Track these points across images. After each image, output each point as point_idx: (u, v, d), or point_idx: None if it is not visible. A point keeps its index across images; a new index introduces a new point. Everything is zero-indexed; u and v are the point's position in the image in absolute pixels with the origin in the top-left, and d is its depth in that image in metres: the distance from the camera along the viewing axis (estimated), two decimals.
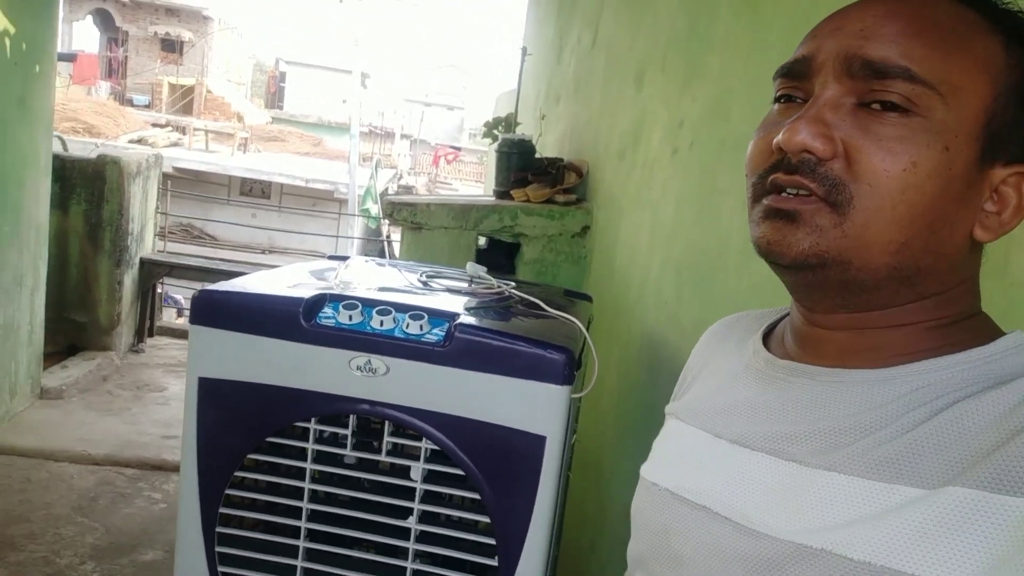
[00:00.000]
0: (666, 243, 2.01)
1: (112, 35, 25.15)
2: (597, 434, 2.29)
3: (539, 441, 1.34)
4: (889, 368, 0.57)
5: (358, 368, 1.37)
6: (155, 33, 24.52)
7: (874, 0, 0.57)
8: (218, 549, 1.44)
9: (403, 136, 27.43)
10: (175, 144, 14.70)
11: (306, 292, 1.42)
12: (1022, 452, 0.47)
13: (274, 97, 32.16)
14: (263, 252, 13.36)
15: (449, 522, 1.40)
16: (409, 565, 1.39)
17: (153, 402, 4.11)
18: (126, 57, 24.75)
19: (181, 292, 9.52)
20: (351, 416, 1.38)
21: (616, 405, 2.22)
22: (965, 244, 0.57)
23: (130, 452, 3.38)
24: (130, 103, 21.86)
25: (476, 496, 1.36)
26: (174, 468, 3.34)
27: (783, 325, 0.70)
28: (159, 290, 5.11)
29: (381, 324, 1.37)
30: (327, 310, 1.40)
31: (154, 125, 17.36)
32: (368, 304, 1.40)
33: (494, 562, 1.36)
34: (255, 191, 14.12)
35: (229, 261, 6.01)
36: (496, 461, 1.35)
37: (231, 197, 13.80)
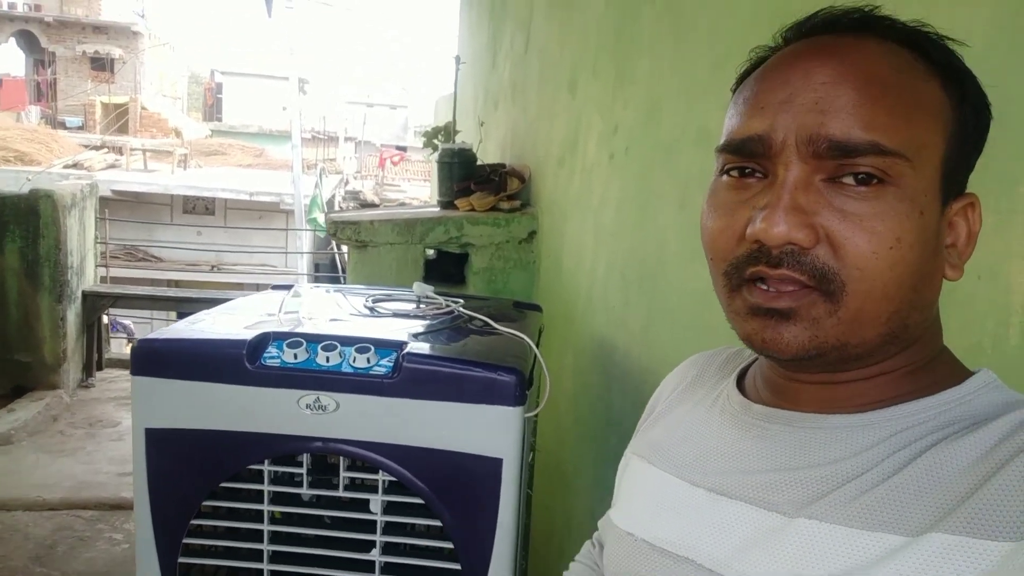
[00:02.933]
0: (609, 247, 2.02)
1: (38, 56, 24.40)
2: (558, 441, 2.31)
3: (496, 463, 1.34)
4: (868, 413, 0.57)
5: (307, 406, 1.35)
6: (83, 52, 23.85)
7: (814, 61, 0.55)
8: None
9: (347, 139, 27.14)
10: (112, 166, 14.32)
11: (249, 333, 1.40)
12: (996, 495, 0.48)
13: (212, 109, 31.55)
14: (212, 269, 13.12)
15: (413, 550, 1.40)
16: None
17: (107, 439, 4.01)
18: (55, 79, 24.04)
19: (130, 318, 9.30)
20: (305, 455, 1.37)
21: (574, 411, 2.24)
22: (939, 289, 0.58)
23: (87, 493, 3.30)
24: (63, 126, 21.27)
25: (438, 523, 1.36)
26: (133, 506, 3.27)
27: (755, 369, 0.69)
28: (104, 321, 4.98)
29: (327, 360, 1.36)
30: (271, 350, 1.38)
31: (89, 147, 16.90)
32: (313, 340, 1.38)
33: None
34: (199, 208, 13.85)
35: (177, 284, 5.90)
36: (454, 487, 1.35)
37: (174, 217, 13.51)
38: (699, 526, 0.61)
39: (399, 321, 1.65)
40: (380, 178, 20.12)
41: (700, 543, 0.60)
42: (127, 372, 5.13)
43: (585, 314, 2.19)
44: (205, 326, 1.50)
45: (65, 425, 4.12)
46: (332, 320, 1.60)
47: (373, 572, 1.38)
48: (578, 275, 2.27)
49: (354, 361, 1.36)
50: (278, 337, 1.40)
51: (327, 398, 1.35)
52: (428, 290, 1.86)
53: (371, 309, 1.74)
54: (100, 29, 24.21)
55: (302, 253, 11.49)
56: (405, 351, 1.37)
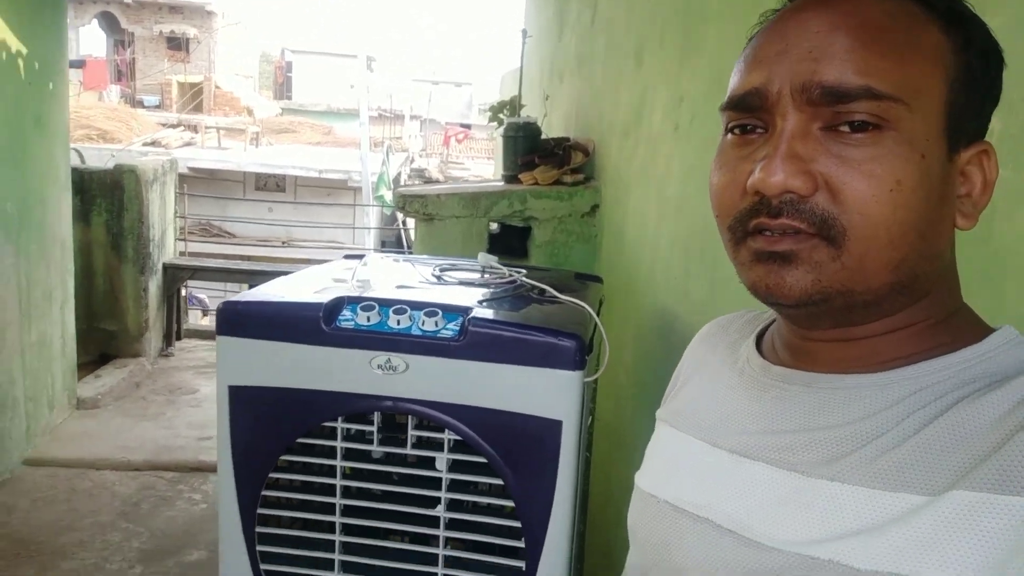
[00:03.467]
0: (673, 219, 2.03)
1: (118, 37, 25.27)
2: (617, 410, 2.34)
3: (556, 425, 1.38)
4: (887, 372, 0.56)
5: (379, 367, 1.42)
6: (160, 32, 24.59)
7: (810, 12, 0.55)
8: (259, 548, 1.51)
9: (412, 117, 27.39)
10: (188, 144, 14.82)
11: (325, 297, 1.47)
12: (1020, 451, 0.47)
13: (282, 88, 32.19)
14: (282, 244, 13.48)
15: (475, 508, 1.46)
16: (440, 551, 1.45)
17: (186, 405, 4.21)
18: (133, 59, 24.88)
19: (205, 292, 9.65)
20: (376, 413, 1.44)
21: (635, 380, 2.26)
22: (950, 236, 0.57)
23: (168, 456, 3.48)
24: (141, 105, 22.01)
25: (500, 482, 1.41)
26: (211, 469, 3.44)
27: (773, 330, 0.69)
28: (183, 293, 5.20)
29: (398, 323, 1.42)
30: (346, 313, 1.45)
31: (165, 126, 17.49)
32: (385, 304, 1.44)
33: (521, 543, 1.42)
34: (270, 185, 14.23)
35: (249, 259, 6.10)
36: (516, 447, 1.40)
37: (247, 193, 13.92)
38: (719, 487, 0.61)
39: (464, 289, 1.70)
40: (445, 156, 20.25)
41: (720, 503, 0.60)
42: (204, 342, 5.36)
43: (647, 285, 2.20)
44: (284, 290, 1.58)
45: (147, 392, 4.34)
46: (401, 287, 1.66)
47: (437, 527, 1.44)
48: (640, 247, 2.29)
49: (423, 324, 1.42)
50: (352, 301, 1.46)
51: (397, 359, 1.41)
52: (492, 260, 1.91)
53: (438, 277, 1.79)
54: (176, 9, 24.90)
55: (369, 228, 11.70)
56: (471, 316, 1.42)
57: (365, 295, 1.50)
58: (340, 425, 1.44)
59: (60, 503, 3.04)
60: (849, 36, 0.52)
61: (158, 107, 22.52)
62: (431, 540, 1.46)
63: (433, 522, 1.44)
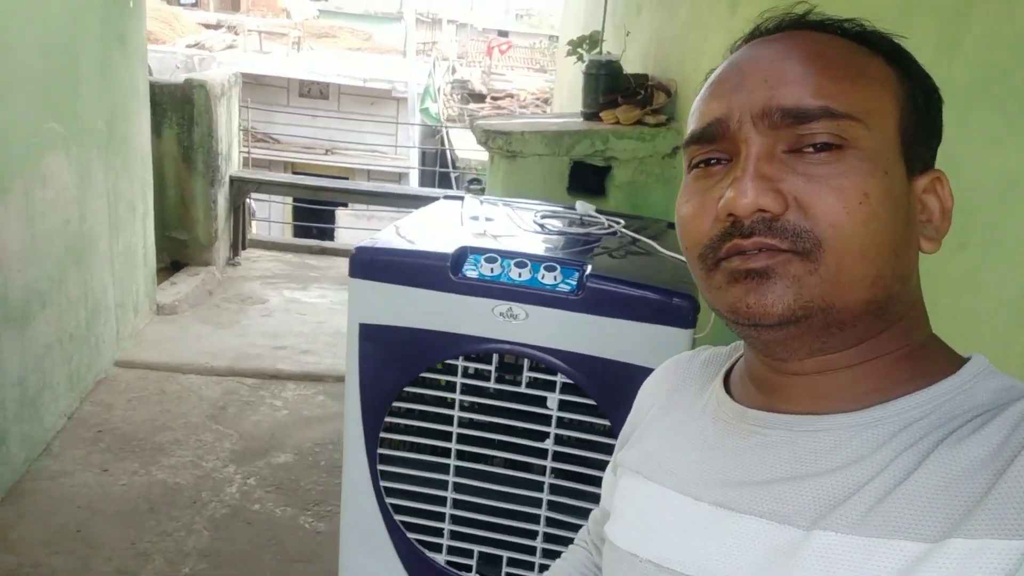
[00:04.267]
0: None
1: None
2: None
3: None
4: (867, 411, 0.56)
5: (500, 314, 1.54)
6: None
7: (761, 47, 0.58)
8: (380, 467, 1.68)
9: (449, 22, 26.79)
10: (230, 47, 14.73)
11: (450, 246, 1.59)
12: (1011, 493, 0.47)
13: None
14: (326, 153, 13.54)
15: (581, 444, 1.60)
16: (546, 479, 1.60)
17: (258, 314, 4.41)
18: None
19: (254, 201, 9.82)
20: (495, 354, 1.57)
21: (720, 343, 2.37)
22: (917, 261, 0.58)
23: (247, 363, 3.69)
24: (177, 2, 21.74)
25: (605, 422, 1.55)
26: (288, 377, 3.65)
27: (740, 368, 0.67)
28: (248, 205, 5.36)
29: (519, 275, 1.54)
30: (470, 263, 1.57)
31: (205, 26, 17.34)
32: (507, 256, 1.56)
33: None
34: (313, 92, 14.18)
35: (291, 166, 6.19)
36: (623, 394, 1.52)
37: (290, 100, 13.91)
38: (708, 544, 0.59)
39: (569, 241, 1.81)
40: (487, 66, 19.93)
41: (711, 562, 0.58)
42: (267, 252, 5.54)
43: None
44: (407, 235, 1.70)
45: (219, 300, 4.54)
46: (511, 236, 1.76)
47: (545, 459, 1.59)
48: None
49: (543, 278, 1.53)
50: (475, 252, 1.58)
51: (518, 308, 1.53)
52: (590, 209, 2.01)
53: (540, 225, 1.90)
54: None
55: (413, 148, 11.70)
56: (587, 272, 1.53)
57: (487, 247, 1.61)
58: (460, 363, 1.58)
59: (153, 404, 3.27)
60: (801, 63, 0.55)
61: (194, 5, 22.22)
62: (539, 470, 1.62)
63: (542, 454, 1.59)
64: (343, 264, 5.63)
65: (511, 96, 14.12)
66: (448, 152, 11.61)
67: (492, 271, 1.55)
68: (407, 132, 13.11)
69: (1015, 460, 0.48)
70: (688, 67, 2.80)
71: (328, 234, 8.05)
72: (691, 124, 0.60)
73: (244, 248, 5.28)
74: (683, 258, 1.69)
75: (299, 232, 8.77)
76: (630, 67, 3.28)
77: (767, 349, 0.59)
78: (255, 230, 6.54)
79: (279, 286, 4.92)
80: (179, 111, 4.52)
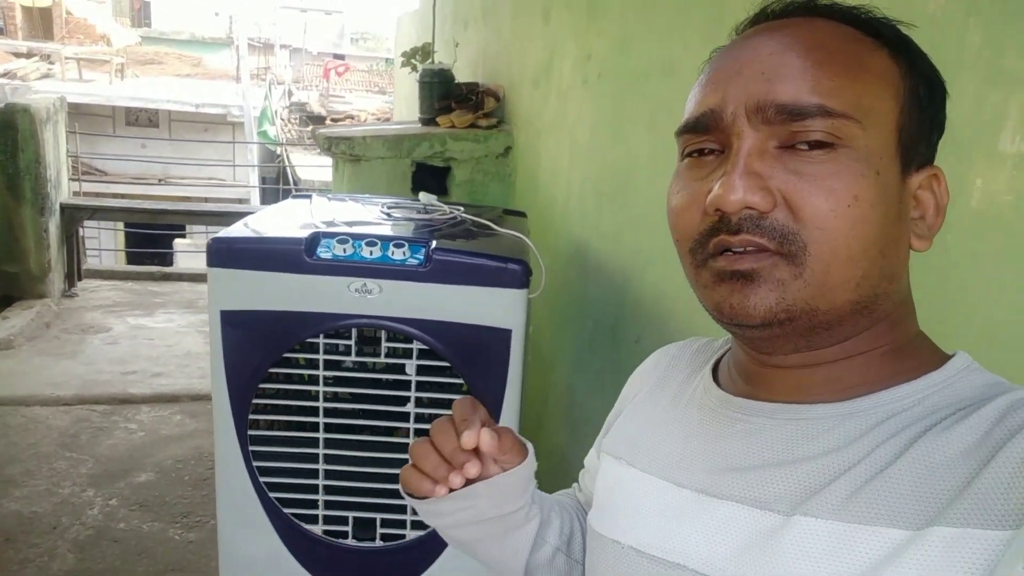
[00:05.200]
0: (584, 163, 2.36)
1: None
2: (538, 327, 2.70)
3: (506, 333, 1.70)
4: (851, 401, 0.56)
5: (355, 290, 1.69)
6: None
7: (762, 36, 0.57)
8: (251, 448, 1.77)
9: (282, 46, 26.35)
10: (46, 75, 13.84)
11: (303, 232, 1.72)
12: (994, 484, 0.47)
13: (139, 14, 30.07)
14: (158, 182, 12.98)
15: (439, 404, 1.77)
16: (411, 440, 1.75)
17: (102, 343, 4.27)
18: None
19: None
20: (353, 329, 1.71)
21: (552, 304, 2.62)
22: (907, 259, 0.58)
23: (97, 390, 3.58)
24: None
25: (460, 381, 1.73)
26: (142, 400, 3.58)
27: (728, 359, 0.68)
28: (81, 233, 5.15)
29: (371, 253, 1.69)
30: (323, 245, 1.70)
31: (15, 55, 16.18)
32: (357, 238, 1.71)
33: None
34: (142, 120, 13.56)
35: (120, 197, 6.03)
36: (474, 353, 1.71)
37: (116, 129, 13.23)
38: (690, 529, 0.59)
39: (415, 225, 1.98)
40: (324, 89, 19.77)
41: (692, 547, 0.58)
42: (106, 282, 5.33)
43: (562, 221, 2.54)
44: (261, 226, 1.80)
45: (59, 331, 4.35)
46: (360, 223, 1.91)
47: (407, 422, 1.74)
48: (554, 187, 2.61)
49: (392, 254, 1.69)
50: (328, 235, 1.71)
51: (372, 284, 1.68)
52: (432, 198, 2.19)
53: (387, 214, 2.06)
54: None
55: (253, 166, 11.47)
56: (432, 247, 1.70)
57: (338, 230, 1.75)
58: (321, 340, 1.71)
59: None
60: (801, 57, 0.54)
61: (0, 33, 20.66)
62: (402, 434, 1.77)
63: (404, 418, 1.75)
64: (189, 288, 5.54)
65: (351, 117, 14.11)
66: (289, 172, 11.46)
67: (345, 251, 1.69)
68: (245, 157, 12.80)
69: (1000, 451, 0.48)
70: (514, 74, 3.06)
71: (167, 261, 7.78)
72: (687, 110, 0.59)
73: (80, 279, 5.07)
74: (516, 233, 1.91)
75: (134, 260, 8.41)
76: (461, 76, 3.51)
77: (752, 344, 0.60)
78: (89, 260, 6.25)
79: (122, 314, 4.77)
80: (1, 138, 4.31)
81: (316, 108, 15.78)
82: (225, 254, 1.70)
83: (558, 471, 2.48)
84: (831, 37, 0.55)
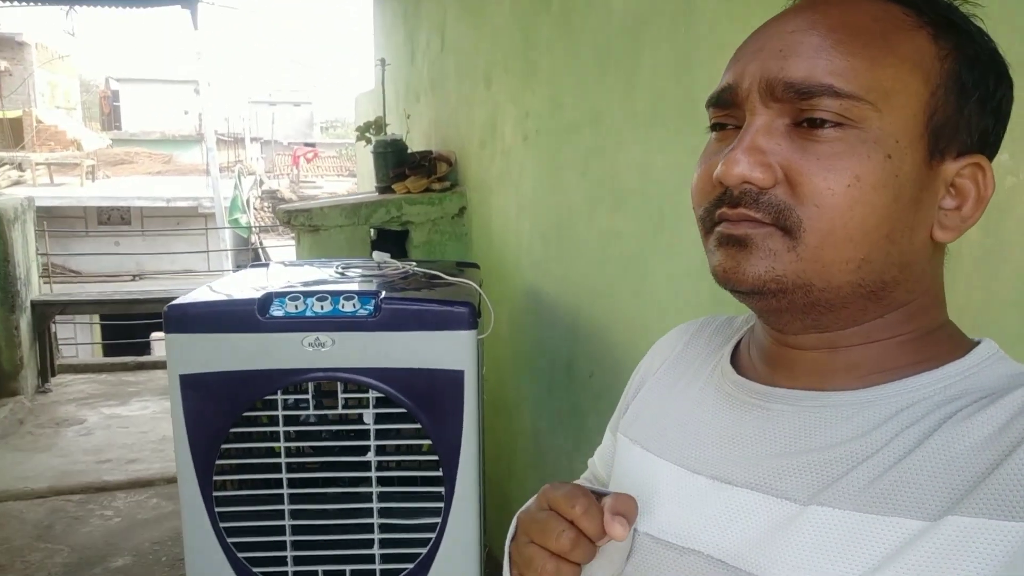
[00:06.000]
0: (530, 213, 2.47)
1: None
2: (500, 373, 2.76)
3: (458, 374, 1.77)
4: (870, 389, 0.56)
5: (309, 345, 1.75)
6: None
7: (793, 13, 0.56)
8: (217, 509, 1.79)
9: (253, 139, 26.87)
10: (17, 183, 13.98)
11: (255, 293, 1.79)
12: (1014, 474, 0.47)
13: (110, 118, 30.61)
14: (133, 278, 13.02)
15: (399, 450, 1.82)
16: (374, 489, 1.79)
17: (77, 434, 4.25)
18: None
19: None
20: (310, 384, 1.77)
21: (512, 349, 2.69)
22: (926, 248, 0.56)
23: (71, 480, 3.56)
24: None
25: (417, 425, 1.78)
26: (117, 487, 3.57)
27: (748, 340, 0.68)
28: (52, 330, 5.17)
29: (322, 308, 1.76)
30: (276, 304, 1.77)
31: None
32: (308, 294, 1.78)
33: (439, 473, 1.79)
34: (114, 218, 13.69)
35: (120, 291, 6.09)
36: (429, 395, 1.77)
37: (89, 228, 13.34)
38: (704, 516, 0.59)
39: (369, 280, 2.06)
40: (295, 176, 20.07)
41: (707, 534, 0.58)
42: (80, 376, 5.33)
43: (516, 271, 2.63)
44: (215, 293, 1.87)
45: (33, 427, 4.34)
46: (315, 281, 1.99)
47: (370, 471, 1.79)
48: (506, 239, 2.71)
49: (343, 307, 1.76)
50: (279, 295, 1.78)
51: (324, 337, 1.74)
52: (385, 256, 2.27)
53: (341, 273, 2.14)
54: None
55: (227, 251, 11.58)
56: (381, 297, 1.78)
57: (290, 289, 1.83)
58: (280, 397, 1.76)
59: None
60: (820, 35, 0.53)
61: None
62: (366, 483, 1.81)
63: (366, 467, 1.79)
64: (163, 376, 5.52)
65: (342, 195, 14.32)
66: (263, 256, 11.57)
67: (296, 307, 1.76)
68: (218, 246, 12.92)
69: (1021, 443, 0.48)
70: (462, 137, 3.20)
71: (146, 351, 7.79)
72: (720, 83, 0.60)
73: (54, 374, 5.07)
74: (467, 281, 2.00)
75: (111, 352, 8.40)
76: (416, 145, 3.65)
77: (762, 317, 0.61)
78: (63, 355, 6.25)
79: (96, 405, 4.76)
80: None
81: (287, 194, 16.01)
82: (181, 319, 1.76)
83: None
84: (864, 15, 0.54)
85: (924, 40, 0.54)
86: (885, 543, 0.49)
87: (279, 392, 1.76)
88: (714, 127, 0.60)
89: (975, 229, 0.58)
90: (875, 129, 0.52)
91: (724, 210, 0.55)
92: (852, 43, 0.52)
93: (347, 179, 20.77)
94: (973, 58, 0.55)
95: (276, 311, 1.76)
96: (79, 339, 9.62)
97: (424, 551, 1.80)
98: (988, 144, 0.56)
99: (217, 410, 1.77)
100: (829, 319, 0.56)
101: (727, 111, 0.57)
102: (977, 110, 0.55)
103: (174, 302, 1.80)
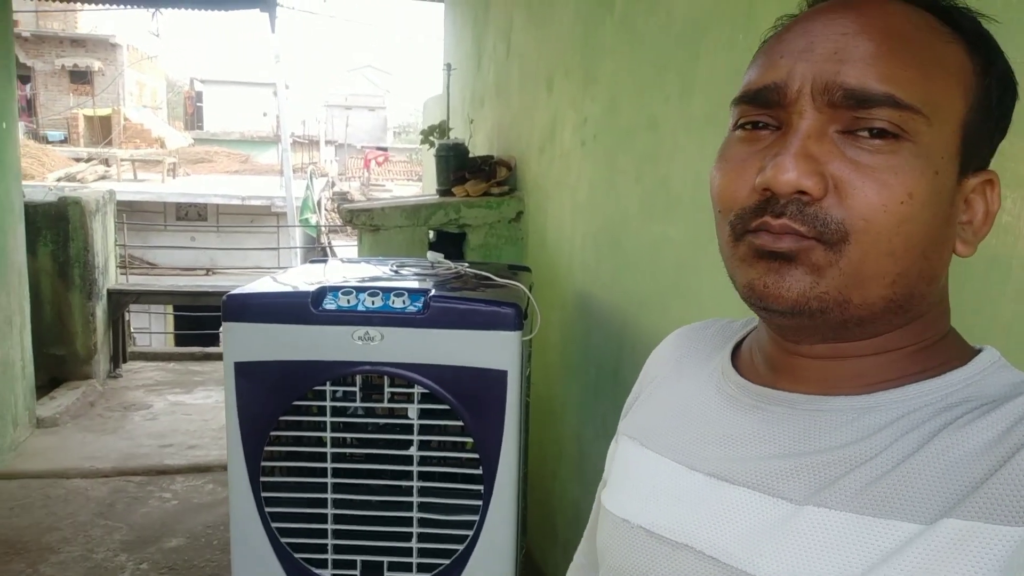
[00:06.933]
0: (585, 218, 2.47)
1: (18, 72, 24.51)
2: (548, 385, 2.76)
3: (502, 375, 1.78)
4: (873, 395, 0.55)
5: (359, 339, 1.79)
6: (63, 66, 24.00)
7: (837, 13, 0.54)
8: (264, 494, 1.85)
9: (328, 142, 27.53)
10: (103, 177, 14.67)
11: (311, 287, 1.84)
12: (1012, 479, 0.46)
13: (192, 118, 31.81)
14: (206, 273, 13.47)
15: (442, 446, 1.84)
16: (415, 484, 1.82)
17: (143, 419, 4.43)
18: (35, 94, 24.19)
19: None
20: (357, 376, 1.81)
21: (560, 353, 2.69)
22: (948, 262, 0.56)
23: (134, 462, 3.71)
24: (45, 140, 21.46)
25: (460, 423, 1.80)
26: (176, 471, 3.70)
27: (750, 342, 0.67)
28: (126, 318, 5.40)
29: (372, 303, 1.80)
30: (329, 298, 1.82)
31: (76, 160, 17.21)
32: (360, 290, 1.82)
33: (479, 471, 1.80)
34: (191, 215, 14.23)
35: (193, 284, 6.32)
36: (472, 394, 1.79)
37: (168, 223, 13.88)
38: (699, 512, 0.59)
39: (421, 279, 2.09)
40: (366, 179, 20.47)
41: (701, 530, 0.58)
42: (149, 363, 5.55)
43: (568, 276, 2.63)
44: (274, 285, 1.93)
45: (102, 409, 4.53)
46: (369, 278, 2.03)
47: (411, 465, 1.81)
48: (560, 244, 2.72)
49: (393, 303, 1.80)
50: (333, 289, 1.83)
51: (374, 331, 1.78)
52: (439, 257, 2.31)
53: (395, 271, 2.18)
54: (78, 42, 24.35)
55: (295, 248, 11.89)
56: (430, 295, 1.81)
57: (343, 284, 1.87)
58: (328, 388, 1.80)
59: (37, 508, 3.25)
60: (874, 41, 0.51)
61: (63, 142, 21.99)
62: (407, 477, 1.83)
63: (408, 462, 1.82)
64: None
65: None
66: (330, 255, 11.87)
67: (348, 302, 1.80)
68: (288, 243, 13.28)
69: (1020, 449, 0.47)
70: (523, 143, 3.22)
71: (213, 341, 8.06)
72: (747, 79, 0.57)
73: (125, 360, 5.29)
74: (516, 283, 2.01)
75: (182, 341, 8.72)
76: (478, 150, 3.69)
77: (780, 331, 0.59)
78: (136, 343, 6.52)
79: (163, 392, 4.95)
80: (53, 228, 4.62)
81: (357, 196, 16.34)
82: (238, 309, 1.82)
83: (572, 524, 2.50)
84: (907, 24, 0.52)
85: (962, 54, 0.53)
86: (879, 545, 0.48)
87: (328, 383, 1.80)
88: (742, 125, 0.56)
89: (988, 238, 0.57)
90: (926, 144, 0.51)
91: (767, 219, 0.52)
92: (906, 52, 0.51)
93: (416, 183, 21.09)
94: (999, 75, 0.55)
95: (329, 304, 1.81)
96: (153, 328, 10.00)
97: (461, 548, 1.82)
98: (991, 157, 0.56)
99: (268, 398, 1.82)
100: (854, 333, 0.55)
101: (767, 111, 0.54)
102: (994, 126, 0.55)
103: (233, 291, 1.86)
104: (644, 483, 0.65)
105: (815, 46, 0.53)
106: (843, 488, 0.52)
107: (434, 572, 1.84)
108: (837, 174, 0.51)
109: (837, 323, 0.54)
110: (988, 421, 0.50)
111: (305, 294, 1.80)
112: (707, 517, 0.58)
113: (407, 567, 1.85)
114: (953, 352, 0.57)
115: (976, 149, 0.54)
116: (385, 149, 28.54)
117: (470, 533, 1.81)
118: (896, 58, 0.51)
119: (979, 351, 0.57)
